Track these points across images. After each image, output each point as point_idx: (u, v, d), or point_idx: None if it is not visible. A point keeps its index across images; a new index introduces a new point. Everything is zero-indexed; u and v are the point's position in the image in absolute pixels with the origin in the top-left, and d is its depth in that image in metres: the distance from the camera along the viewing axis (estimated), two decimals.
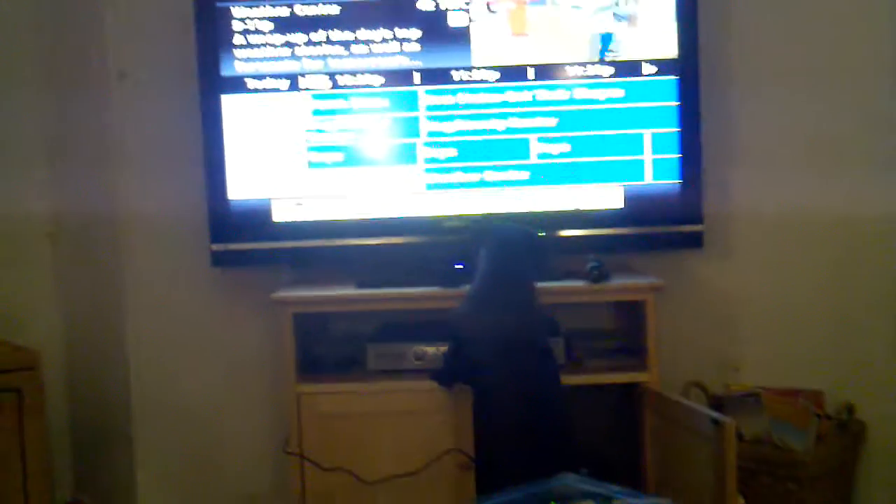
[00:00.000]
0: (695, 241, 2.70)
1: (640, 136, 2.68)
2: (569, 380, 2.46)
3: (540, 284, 2.45)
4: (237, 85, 2.71)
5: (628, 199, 2.69)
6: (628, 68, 2.67)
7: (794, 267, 2.88)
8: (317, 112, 2.71)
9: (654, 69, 2.67)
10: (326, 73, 2.70)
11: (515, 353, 2.32)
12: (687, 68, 2.66)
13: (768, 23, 2.84)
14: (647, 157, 2.68)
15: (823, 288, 2.87)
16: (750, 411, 2.62)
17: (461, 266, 2.60)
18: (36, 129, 3.07)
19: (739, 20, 2.83)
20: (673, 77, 2.67)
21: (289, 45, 2.70)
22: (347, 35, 2.69)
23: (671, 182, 2.68)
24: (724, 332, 2.89)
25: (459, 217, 2.69)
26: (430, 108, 2.69)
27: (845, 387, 2.79)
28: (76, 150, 3.04)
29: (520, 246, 2.47)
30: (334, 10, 2.69)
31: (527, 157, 2.69)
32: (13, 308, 3.00)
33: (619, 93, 2.67)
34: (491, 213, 2.68)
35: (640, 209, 2.69)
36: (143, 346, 2.87)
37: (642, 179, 2.68)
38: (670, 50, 2.67)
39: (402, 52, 2.69)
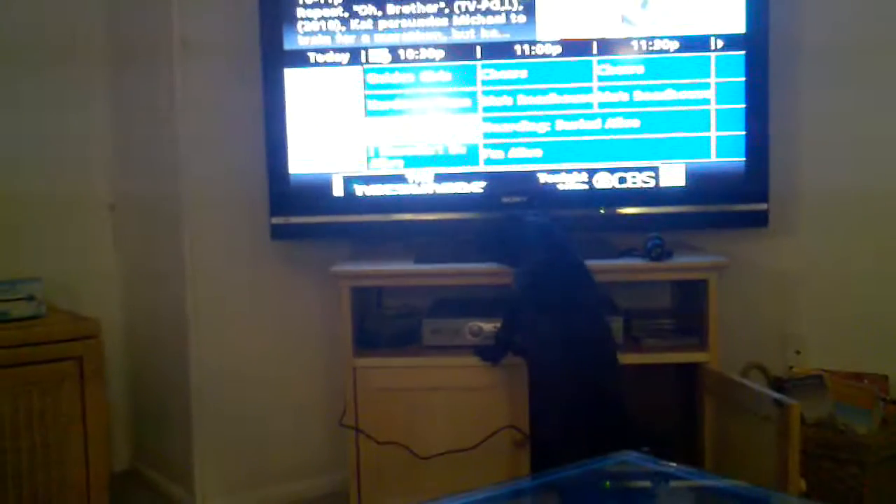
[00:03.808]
0: (760, 219, 2.65)
1: (706, 112, 2.63)
2: (627, 359, 2.44)
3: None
4: (299, 58, 2.70)
5: (690, 176, 2.65)
6: (694, 43, 2.62)
7: (861, 247, 2.82)
8: (377, 86, 2.70)
9: (721, 43, 2.61)
10: (387, 47, 2.69)
11: (576, 329, 2.29)
12: (755, 43, 2.60)
13: None
14: (713, 133, 2.63)
15: (891, 269, 2.81)
16: (812, 394, 2.57)
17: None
18: (98, 100, 3.10)
19: None
20: (741, 52, 2.61)
21: (350, 18, 2.69)
22: (408, 9, 2.67)
23: (736, 160, 2.63)
24: (786, 313, 2.85)
25: (518, 192, 2.67)
26: (486, 82, 2.67)
27: None
28: (137, 121, 3.07)
29: (557, 228, 2.44)
30: None
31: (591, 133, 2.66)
32: (75, 278, 3.04)
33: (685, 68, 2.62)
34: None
35: (703, 187, 2.64)
36: (201, 317, 2.89)
37: (707, 157, 2.64)
38: (738, 24, 2.61)
39: (462, 27, 2.66)
